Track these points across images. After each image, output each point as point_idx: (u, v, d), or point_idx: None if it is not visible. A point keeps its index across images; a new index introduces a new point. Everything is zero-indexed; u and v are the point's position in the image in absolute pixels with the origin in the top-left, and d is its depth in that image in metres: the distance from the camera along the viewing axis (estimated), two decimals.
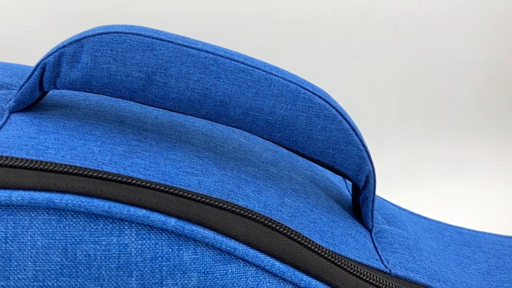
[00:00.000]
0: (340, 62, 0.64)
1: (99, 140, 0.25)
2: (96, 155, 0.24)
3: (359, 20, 0.63)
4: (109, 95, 0.26)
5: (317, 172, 0.34)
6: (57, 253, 0.20)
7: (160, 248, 0.21)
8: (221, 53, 0.26)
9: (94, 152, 0.24)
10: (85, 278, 0.20)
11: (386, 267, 0.27)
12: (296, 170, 0.32)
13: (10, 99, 0.27)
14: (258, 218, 0.23)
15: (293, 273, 0.23)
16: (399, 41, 0.65)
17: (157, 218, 0.21)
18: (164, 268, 0.21)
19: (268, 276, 0.23)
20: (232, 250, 0.22)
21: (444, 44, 0.67)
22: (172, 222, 0.21)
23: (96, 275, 0.21)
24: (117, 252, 0.21)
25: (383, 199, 0.38)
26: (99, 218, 0.21)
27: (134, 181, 0.22)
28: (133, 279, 0.21)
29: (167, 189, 0.22)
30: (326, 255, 0.24)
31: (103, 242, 0.21)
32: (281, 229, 0.24)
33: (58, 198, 0.20)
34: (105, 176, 0.22)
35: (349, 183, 0.37)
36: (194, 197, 0.22)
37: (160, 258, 0.21)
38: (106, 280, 0.21)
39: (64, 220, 0.20)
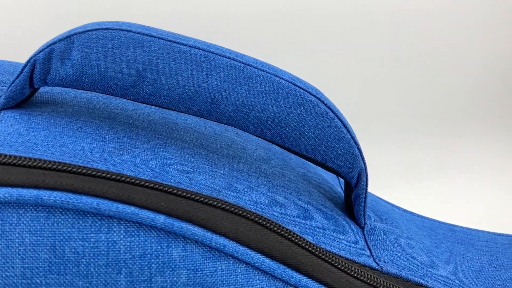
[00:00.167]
0: (339, 60, 0.64)
1: (90, 137, 0.25)
2: (86, 152, 0.24)
3: (358, 17, 0.63)
4: (100, 92, 0.26)
5: (310, 169, 0.33)
6: (45, 250, 0.20)
7: (149, 245, 0.21)
8: (212, 50, 0.26)
9: (84, 149, 0.24)
10: (73, 275, 0.20)
11: (378, 264, 0.27)
12: (288, 167, 0.32)
13: (0, 96, 0.27)
14: (249, 215, 0.23)
15: (283, 270, 0.23)
16: (398, 38, 0.65)
17: (146, 215, 0.21)
18: (153, 265, 0.21)
19: (258, 273, 0.23)
20: (222, 247, 0.22)
21: (442, 42, 0.66)
22: (161, 219, 0.21)
23: (85, 272, 0.20)
24: (105, 249, 0.21)
25: (376, 196, 0.38)
26: (88, 215, 0.21)
27: (123, 178, 0.22)
28: (122, 276, 0.21)
29: (156, 186, 0.22)
30: (317, 253, 0.24)
31: (92, 239, 0.20)
32: (272, 226, 0.24)
33: (46, 195, 0.20)
34: (94, 173, 0.21)
35: (342, 180, 0.37)
36: (184, 194, 0.22)
37: (149, 256, 0.21)
38: (94, 277, 0.21)
39: (53, 217, 0.20)
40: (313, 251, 0.24)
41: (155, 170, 0.24)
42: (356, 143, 0.28)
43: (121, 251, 0.21)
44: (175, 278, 0.21)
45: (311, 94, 0.27)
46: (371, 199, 0.35)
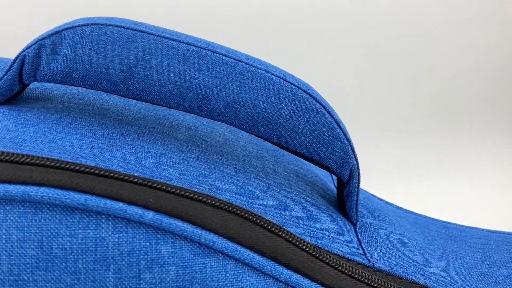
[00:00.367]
0: (338, 59, 0.64)
1: (79, 133, 0.25)
2: (75, 148, 0.23)
3: (354, 15, 0.62)
4: (90, 88, 0.26)
5: (302, 166, 0.33)
6: (32, 246, 0.20)
7: (137, 241, 0.21)
8: (203, 45, 0.26)
9: (74, 145, 0.24)
10: (61, 271, 0.20)
11: (370, 261, 0.27)
12: (281, 164, 0.32)
13: None
14: (239, 211, 0.23)
15: (273, 266, 0.23)
16: (397, 37, 0.65)
17: (134, 211, 0.21)
18: (141, 261, 0.21)
19: (248, 269, 0.22)
20: (211, 243, 0.22)
21: (441, 39, 0.66)
22: (149, 215, 0.21)
23: (73, 268, 0.20)
24: (93, 246, 0.20)
25: (369, 193, 0.38)
26: (76, 211, 0.20)
27: (111, 174, 0.22)
28: (110, 272, 0.21)
29: (145, 182, 0.22)
30: (307, 249, 0.24)
31: (80, 236, 0.20)
32: (262, 223, 0.23)
33: (33, 191, 0.20)
34: (82, 169, 0.21)
35: (335, 177, 0.37)
36: (173, 190, 0.22)
37: (137, 252, 0.21)
38: (82, 273, 0.20)
39: (40, 213, 0.20)
40: (304, 247, 0.24)
41: (145, 167, 0.24)
42: (348, 139, 0.28)
43: (109, 248, 0.20)
44: (164, 275, 0.21)
45: (302, 90, 0.27)
46: (363, 196, 0.35)
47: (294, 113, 0.26)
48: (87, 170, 0.21)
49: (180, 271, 0.21)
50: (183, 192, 0.22)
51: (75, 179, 0.21)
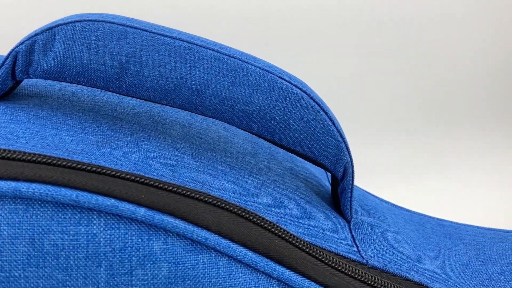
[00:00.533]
0: (338, 59, 0.64)
1: (72, 130, 0.25)
2: (67, 144, 0.23)
3: (356, 16, 0.62)
4: (83, 84, 0.26)
5: (297, 163, 0.33)
6: (23, 243, 0.20)
7: (129, 238, 0.21)
8: (196, 42, 0.25)
9: (66, 142, 0.23)
10: (52, 268, 0.20)
11: (363, 258, 0.27)
12: (275, 161, 0.32)
13: None
14: (232, 208, 0.23)
15: (266, 263, 0.23)
16: (396, 36, 0.65)
17: (126, 207, 0.21)
18: (133, 258, 0.21)
19: (240, 266, 0.22)
20: (204, 240, 0.22)
21: (440, 39, 0.66)
22: (141, 211, 0.21)
23: (64, 265, 0.20)
24: (85, 242, 0.20)
25: (364, 191, 0.38)
26: (67, 208, 0.20)
27: (103, 171, 0.21)
28: (102, 269, 0.21)
29: (137, 178, 0.22)
30: (300, 246, 0.24)
31: (71, 232, 0.20)
32: (255, 220, 0.23)
33: (24, 187, 0.20)
34: (74, 165, 0.21)
35: (330, 174, 0.37)
36: (166, 187, 0.22)
37: (129, 248, 0.21)
38: (74, 270, 0.20)
39: (31, 209, 0.20)
40: (297, 244, 0.24)
41: (138, 163, 0.24)
42: (342, 136, 0.28)
43: (101, 244, 0.20)
44: (156, 271, 0.21)
45: (296, 87, 0.27)
46: (358, 193, 0.35)
47: (288, 110, 0.26)
48: (79, 166, 0.21)
49: (172, 268, 0.21)
50: (175, 189, 0.22)
51: (67, 175, 0.21)
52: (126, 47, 0.25)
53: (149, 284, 0.21)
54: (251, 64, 0.26)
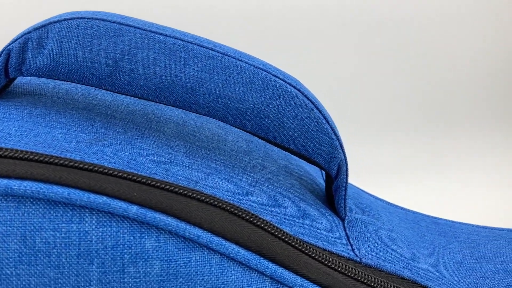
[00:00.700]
0: (337, 59, 0.64)
1: (65, 128, 0.25)
2: (60, 142, 0.23)
3: (356, 15, 0.62)
4: (76, 82, 0.26)
5: (292, 161, 0.33)
6: (15, 240, 0.20)
7: (121, 235, 0.21)
8: (189, 40, 0.25)
9: (59, 139, 0.23)
10: (44, 266, 0.20)
11: (357, 256, 0.27)
12: (270, 159, 0.32)
13: None
14: (224, 206, 0.23)
15: (258, 261, 0.23)
16: (395, 35, 0.65)
17: (118, 205, 0.21)
18: (125, 256, 0.21)
19: (233, 264, 0.22)
20: (196, 237, 0.22)
21: (439, 38, 0.66)
22: (133, 209, 0.21)
23: (56, 262, 0.20)
24: (77, 240, 0.20)
25: (359, 189, 0.38)
26: (59, 205, 0.20)
27: (96, 168, 0.21)
28: (94, 266, 0.20)
29: (129, 176, 0.22)
30: (293, 243, 0.24)
31: (63, 230, 0.20)
32: (248, 217, 0.23)
33: (16, 185, 0.20)
34: (66, 163, 0.21)
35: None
36: (158, 184, 0.22)
37: (121, 246, 0.21)
38: (66, 267, 0.20)
39: (23, 207, 0.20)
40: (290, 242, 0.24)
41: (131, 161, 0.24)
42: (336, 134, 0.28)
43: (93, 242, 0.20)
44: (148, 269, 0.21)
45: (290, 85, 0.27)
46: (353, 191, 0.35)
47: (282, 108, 0.26)
48: (71, 164, 0.21)
49: (164, 265, 0.21)
50: (168, 187, 0.22)
51: (59, 173, 0.20)
52: (119, 44, 0.25)
53: (141, 281, 0.21)
54: (245, 62, 0.26)
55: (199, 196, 0.23)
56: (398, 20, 0.64)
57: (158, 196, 0.22)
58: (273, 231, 0.24)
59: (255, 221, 0.24)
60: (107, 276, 0.21)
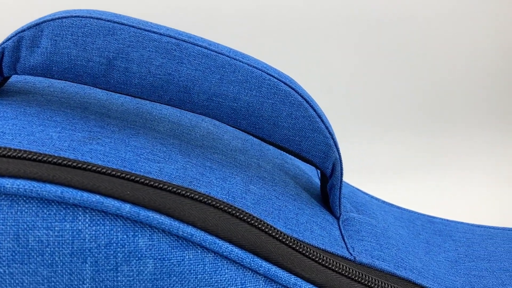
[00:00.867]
0: (337, 58, 0.64)
1: (59, 126, 0.25)
2: (54, 141, 0.23)
3: (355, 15, 0.62)
4: (70, 81, 0.26)
5: (287, 160, 0.33)
6: (8, 239, 0.20)
7: (114, 234, 0.21)
8: (184, 38, 0.25)
9: (53, 138, 0.23)
10: (38, 264, 0.20)
11: (351, 254, 0.27)
12: (265, 158, 0.32)
13: None
14: (218, 204, 0.23)
15: (252, 259, 0.23)
16: (395, 35, 0.65)
17: (111, 203, 0.21)
18: (119, 254, 0.21)
19: (226, 262, 0.22)
20: (189, 236, 0.22)
21: (439, 38, 0.66)
22: (126, 208, 0.21)
23: (49, 261, 0.20)
24: (70, 238, 0.20)
25: (354, 187, 0.38)
26: (52, 204, 0.20)
27: (89, 167, 0.21)
28: (87, 265, 0.20)
29: (123, 175, 0.22)
30: (287, 242, 0.24)
31: (56, 228, 0.20)
32: (241, 216, 0.23)
33: (9, 183, 0.20)
34: (59, 161, 0.21)
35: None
36: (151, 183, 0.22)
37: (114, 244, 0.21)
38: (59, 266, 0.20)
39: (16, 205, 0.20)
40: (284, 240, 0.24)
41: (125, 160, 0.24)
42: (330, 133, 0.28)
43: (86, 240, 0.20)
44: (141, 267, 0.21)
45: (284, 83, 0.27)
46: (348, 190, 0.35)
47: (276, 107, 0.26)
48: (65, 162, 0.21)
49: (157, 264, 0.21)
50: (161, 185, 0.22)
51: (52, 172, 0.20)
52: (114, 43, 0.25)
53: (135, 280, 0.21)
54: (239, 61, 0.26)
55: (193, 195, 0.23)
56: (397, 19, 0.64)
57: (151, 195, 0.22)
58: (267, 230, 0.24)
59: (249, 220, 0.24)
60: (101, 274, 0.21)
